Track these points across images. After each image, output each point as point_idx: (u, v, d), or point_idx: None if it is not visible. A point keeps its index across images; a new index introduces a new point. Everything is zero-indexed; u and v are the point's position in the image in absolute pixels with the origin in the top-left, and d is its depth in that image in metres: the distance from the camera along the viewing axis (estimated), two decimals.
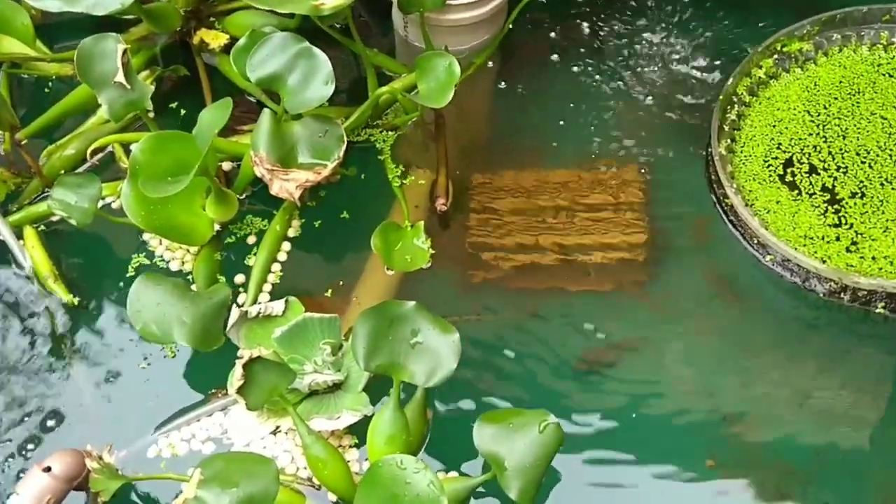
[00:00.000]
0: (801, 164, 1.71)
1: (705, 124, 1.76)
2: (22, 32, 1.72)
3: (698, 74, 1.84)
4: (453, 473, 1.48)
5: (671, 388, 1.57)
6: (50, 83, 1.83)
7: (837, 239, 1.64)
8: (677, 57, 1.86)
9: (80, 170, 1.73)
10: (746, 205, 1.67)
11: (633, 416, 1.55)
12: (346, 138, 1.61)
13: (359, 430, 1.50)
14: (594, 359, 1.60)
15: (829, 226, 1.65)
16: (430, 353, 1.43)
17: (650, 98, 1.82)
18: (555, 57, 1.87)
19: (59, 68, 1.80)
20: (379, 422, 1.43)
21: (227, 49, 1.78)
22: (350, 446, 1.51)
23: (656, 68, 1.85)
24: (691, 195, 1.73)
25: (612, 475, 1.50)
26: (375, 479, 1.33)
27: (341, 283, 1.66)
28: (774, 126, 1.75)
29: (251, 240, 1.69)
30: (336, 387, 1.52)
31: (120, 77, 1.57)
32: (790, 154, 1.72)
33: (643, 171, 1.75)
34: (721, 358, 1.60)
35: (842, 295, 1.61)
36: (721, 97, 1.74)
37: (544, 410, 1.39)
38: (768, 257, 1.64)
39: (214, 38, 1.79)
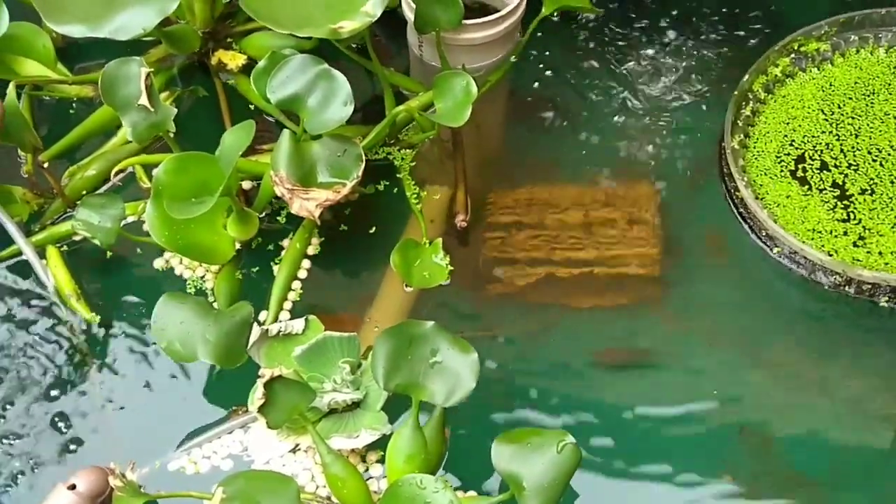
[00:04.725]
0: (813, 160, 1.73)
1: (719, 134, 1.77)
2: (43, 55, 1.74)
3: (711, 84, 1.85)
4: (471, 492, 1.49)
5: (685, 398, 1.58)
6: (73, 104, 1.85)
7: (845, 234, 1.66)
8: (689, 68, 1.87)
9: (102, 190, 1.75)
10: (757, 198, 1.69)
11: (650, 429, 1.56)
12: (364, 157, 1.63)
13: (377, 449, 1.52)
14: (609, 372, 1.61)
15: (838, 221, 1.67)
16: (449, 372, 1.44)
17: (662, 110, 1.83)
18: (567, 73, 1.88)
19: (80, 90, 1.82)
20: (398, 441, 1.44)
21: (244, 69, 1.80)
22: (369, 465, 1.53)
23: (668, 79, 1.86)
24: (706, 208, 1.74)
25: (629, 491, 1.52)
26: (395, 499, 1.34)
27: (359, 299, 1.67)
28: (788, 123, 1.77)
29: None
30: (355, 405, 1.54)
31: (143, 100, 1.58)
32: (802, 151, 1.74)
33: (656, 183, 1.76)
34: (733, 361, 1.61)
35: (847, 288, 1.63)
36: (736, 93, 1.75)
37: (562, 430, 1.40)
38: (776, 249, 1.66)
39: (232, 59, 1.81)
